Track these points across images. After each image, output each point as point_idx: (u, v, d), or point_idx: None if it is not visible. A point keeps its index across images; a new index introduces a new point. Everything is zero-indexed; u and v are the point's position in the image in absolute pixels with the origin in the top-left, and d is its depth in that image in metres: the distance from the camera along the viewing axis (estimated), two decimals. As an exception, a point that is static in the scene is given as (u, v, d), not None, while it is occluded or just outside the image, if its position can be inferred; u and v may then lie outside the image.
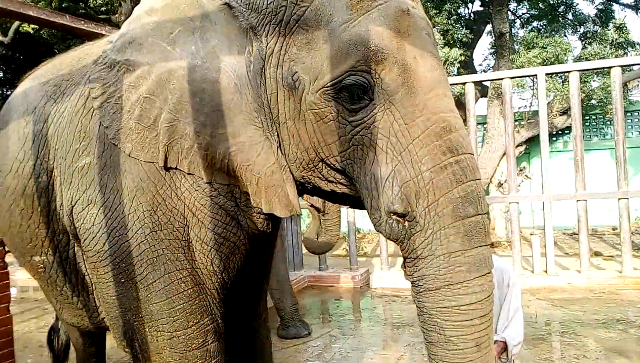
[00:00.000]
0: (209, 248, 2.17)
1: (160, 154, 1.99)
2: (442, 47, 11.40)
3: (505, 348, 2.44)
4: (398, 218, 1.68)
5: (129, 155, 2.06)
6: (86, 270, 2.47)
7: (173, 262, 2.14)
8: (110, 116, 2.07)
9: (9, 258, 10.81)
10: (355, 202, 1.96)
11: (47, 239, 2.50)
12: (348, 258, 8.91)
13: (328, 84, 1.71)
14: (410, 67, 1.66)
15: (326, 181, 1.93)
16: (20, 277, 8.94)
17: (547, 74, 8.07)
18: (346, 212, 8.24)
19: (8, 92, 15.15)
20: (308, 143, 1.83)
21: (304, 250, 10.06)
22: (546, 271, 7.55)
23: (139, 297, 2.19)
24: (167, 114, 1.96)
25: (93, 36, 4.83)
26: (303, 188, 2.07)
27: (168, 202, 2.11)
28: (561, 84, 11.81)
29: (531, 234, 9.90)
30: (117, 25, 7.88)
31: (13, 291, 9.16)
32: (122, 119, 2.04)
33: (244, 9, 1.89)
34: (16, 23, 11.65)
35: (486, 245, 1.66)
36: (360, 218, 10.59)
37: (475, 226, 1.63)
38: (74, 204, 2.27)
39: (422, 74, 1.67)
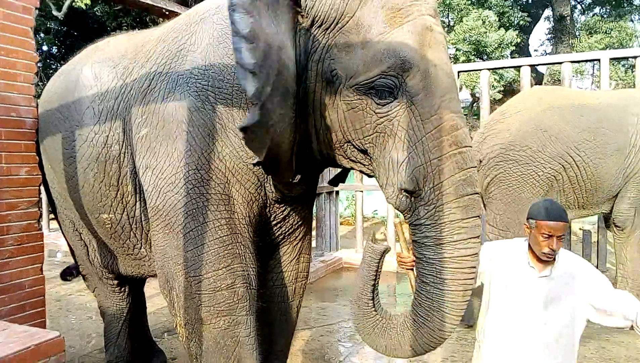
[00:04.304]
0: (246, 202, 2.52)
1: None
2: (497, 29, 10.91)
3: None
4: (407, 194, 2.08)
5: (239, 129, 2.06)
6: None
7: (212, 212, 2.43)
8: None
9: (53, 224, 11.22)
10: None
11: (116, 199, 2.88)
12: (386, 241, 8.73)
13: (362, 83, 2.06)
14: (429, 75, 2.02)
15: (348, 160, 2.30)
16: (65, 242, 9.25)
17: (611, 59, 7.52)
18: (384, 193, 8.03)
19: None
20: (337, 126, 2.20)
21: (341, 232, 10.04)
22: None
23: (178, 246, 2.47)
24: (268, 88, 2.01)
25: (138, 4, 4.84)
26: (328, 163, 2.45)
27: (211, 163, 2.43)
28: (624, 72, 11.09)
29: (580, 228, 9.40)
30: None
31: (58, 256, 9.57)
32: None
33: (308, 14, 2.18)
34: (70, -2, 11.97)
35: (478, 216, 2.07)
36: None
37: (472, 202, 2.04)
38: (138, 169, 2.65)
39: (438, 82, 2.03)
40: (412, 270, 2.27)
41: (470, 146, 2.08)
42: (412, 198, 2.08)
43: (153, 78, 2.61)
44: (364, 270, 2.30)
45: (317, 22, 2.16)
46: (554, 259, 2.18)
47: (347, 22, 2.10)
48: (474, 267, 2.08)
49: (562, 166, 4.41)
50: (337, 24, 2.12)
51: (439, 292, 2.07)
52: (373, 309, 2.28)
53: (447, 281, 2.05)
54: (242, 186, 2.49)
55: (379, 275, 2.29)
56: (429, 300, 2.11)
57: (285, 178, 2.39)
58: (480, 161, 4.64)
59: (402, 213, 2.17)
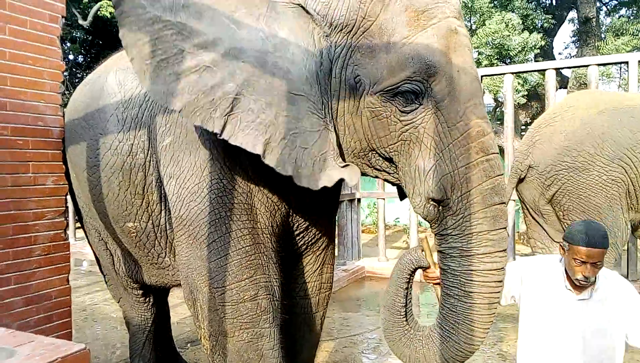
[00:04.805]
0: (269, 212, 2.48)
1: (217, 122, 2.09)
2: (521, 32, 10.73)
3: None
4: (434, 203, 2.03)
5: (179, 113, 2.13)
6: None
7: (235, 222, 2.41)
8: (157, 74, 2.08)
9: (79, 233, 11.31)
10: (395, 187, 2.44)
11: (142, 208, 2.86)
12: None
13: (386, 88, 2.00)
14: (454, 80, 1.97)
15: (372, 168, 2.25)
16: (90, 251, 9.35)
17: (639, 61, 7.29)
18: (409, 205, 7.93)
19: (87, 76, 15.87)
20: (362, 134, 2.14)
21: (363, 240, 9.95)
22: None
23: (201, 256, 2.44)
24: (234, 87, 2.09)
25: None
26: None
27: (233, 172, 2.40)
28: (653, 74, 10.79)
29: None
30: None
31: (84, 265, 9.68)
32: (172, 80, 2.08)
33: (322, 19, 2.13)
34: (95, 7, 12.15)
35: (505, 228, 2.02)
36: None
37: (500, 212, 1.99)
38: (163, 178, 2.63)
39: (464, 86, 1.97)
40: (438, 284, 2.20)
41: (497, 153, 2.03)
42: (440, 208, 2.04)
43: None
44: (396, 275, 2.22)
45: (337, 26, 2.11)
46: (593, 282, 2.04)
47: (370, 25, 2.05)
48: (500, 281, 2.03)
49: (623, 168, 4.29)
50: (359, 27, 2.06)
51: (464, 306, 2.04)
52: (404, 318, 2.22)
53: (472, 294, 2.01)
54: (265, 196, 2.46)
55: (412, 283, 2.25)
56: (454, 313, 2.07)
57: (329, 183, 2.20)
58: (530, 167, 4.52)
59: (429, 222, 2.13)
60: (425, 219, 2.12)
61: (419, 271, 2.26)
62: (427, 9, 2.00)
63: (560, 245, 2.09)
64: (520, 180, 4.62)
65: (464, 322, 2.04)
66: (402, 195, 2.49)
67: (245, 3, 2.13)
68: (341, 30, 2.10)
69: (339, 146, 2.24)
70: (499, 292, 2.04)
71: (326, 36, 2.13)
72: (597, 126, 4.34)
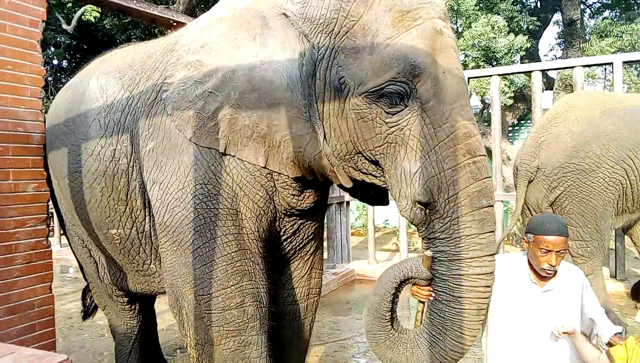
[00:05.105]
0: (254, 216, 2.45)
1: (220, 143, 2.29)
2: (507, 34, 10.80)
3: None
4: (421, 206, 2.01)
5: (190, 140, 2.34)
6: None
7: (220, 228, 2.38)
8: (175, 105, 2.36)
9: (65, 239, 11.16)
10: (380, 194, 2.54)
11: (125, 214, 2.82)
12: (398, 253, 8.60)
13: (371, 90, 1.98)
14: (440, 81, 1.95)
15: (359, 172, 2.22)
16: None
17: (624, 62, 7.36)
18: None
19: (72, 80, 15.73)
20: (348, 137, 2.11)
21: (352, 243, 9.93)
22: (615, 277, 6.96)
23: (186, 263, 2.41)
24: (229, 109, 2.24)
25: (144, 16, 4.81)
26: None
27: (218, 177, 2.38)
28: (636, 75, 10.94)
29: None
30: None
31: (70, 272, 9.53)
32: (185, 109, 2.33)
33: (298, 18, 2.14)
34: (79, 12, 12.01)
35: (494, 231, 1.99)
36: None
37: (488, 215, 1.97)
38: (146, 184, 2.60)
39: (449, 87, 1.96)
40: (424, 303, 2.14)
41: (484, 155, 2.01)
42: (427, 211, 2.02)
43: (160, 90, 2.56)
44: (388, 279, 2.13)
45: (317, 25, 2.09)
46: (555, 273, 2.13)
47: (353, 25, 2.02)
48: (489, 286, 2.02)
49: (625, 169, 4.34)
50: (341, 27, 2.04)
51: (452, 311, 2.01)
52: (389, 321, 2.17)
53: (461, 299, 1.98)
54: (251, 200, 2.43)
55: (402, 289, 2.17)
56: (441, 318, 2.04)
57: (345, 183, 2.28)
58: (539, 169, 4.52)
59: (416, 226, 2.11)
60: (412, 222, 2.10)
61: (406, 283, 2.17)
62: (411, 9, 1.98)
63: (524, 239, 2.17)
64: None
65: (451, 327, 2.01)
66: (375, 200, 2.63)
67: (245, 28, 2.24)
68: (322, 30, 2.08)
69: (326, 149, 2.20)
70: (487, 297, 2.03)
71: (305, 36, 2.12)
72: (602, 127, 4.36)
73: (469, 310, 1.98)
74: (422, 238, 2.11)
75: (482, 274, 1.97)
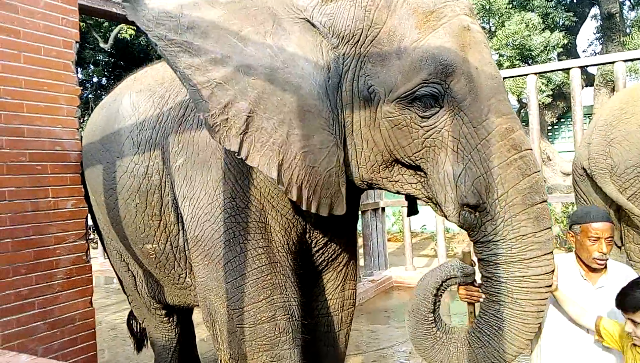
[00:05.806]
0: (283, 229, 2.42)
1: (234, 140, 2.05)
2: (542, 32, 10.50)
3: None
4: (470, 210, 1.92)
5: (206, 121, 2.06)
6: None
7: (249, 242, 2.35)
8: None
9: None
10: (409, 203, 2.50)
11: (159, 229, 2.84)
12: (436, 258, 8.44)
13: (402, 95, 1.92)
14: (474, 78, 1.88)
15: (394, 183, 2.14)
16: (118, 270, 9.41)
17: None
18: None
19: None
20: (383, 146, 2.04)
21: (390, 249, 9.81)
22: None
23: (217, 277, 2.41)
24: (246, 105, 2.04)
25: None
26: (369, 188, 2.31)
27: (246, 191, 2.36)
28: (683, 67, 10.44)
29: None
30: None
31: (114, 282, 9.77)
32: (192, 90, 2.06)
33: (328, 32, 2.07)
34: (115, 30, 12.42)
35: (550, 228, 1.88)
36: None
37: (542, 212, 1.86)
38: (177, 199, 2.60)
39: (484, 83, 1.89)
40: (473, 304, 2.08)
41: (531, 149, 1.91)
42: (477, 213, 1.92)
43: (188, 106, 2.58)
44: (428, 280, 2.05)
45: (343, 38, 2.04)
46: (605, 266, 2.10)
47: (378, 33, 1.98)
48: (550, 286, 1.92)
49: None
50: (367, 36, 1.99)
51: (510, 312, 1.91)
52: (432, 323, 2.07)
53: (520, 301, 1.89)
54: (279, 213, 2.41)
55: (443, 291, 2.07)
56: (497, 319, 1.94)
57: (337, 212, 2.19)
58: (611, 168, 4.21)
59: (466, 231, 2.00)
60: (461, 227, 1.99)
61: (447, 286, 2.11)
62: (435, 9, 1.93)
63: (569, 233, 2.14)
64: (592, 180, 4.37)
65: (509, 328, 1.92)
66: (410, 210, 2.55)
67: (250, 21, 2.08)
68: (348, 41, 2.03)
69: (357, 163, 2.15)
70: (546, 298, 1.94)
71: (333, 48, 2.07)
72: None
73: (529, 312, 1.89)
74: (474, 243, 2.00)
75: (543, 274, 1.87)
